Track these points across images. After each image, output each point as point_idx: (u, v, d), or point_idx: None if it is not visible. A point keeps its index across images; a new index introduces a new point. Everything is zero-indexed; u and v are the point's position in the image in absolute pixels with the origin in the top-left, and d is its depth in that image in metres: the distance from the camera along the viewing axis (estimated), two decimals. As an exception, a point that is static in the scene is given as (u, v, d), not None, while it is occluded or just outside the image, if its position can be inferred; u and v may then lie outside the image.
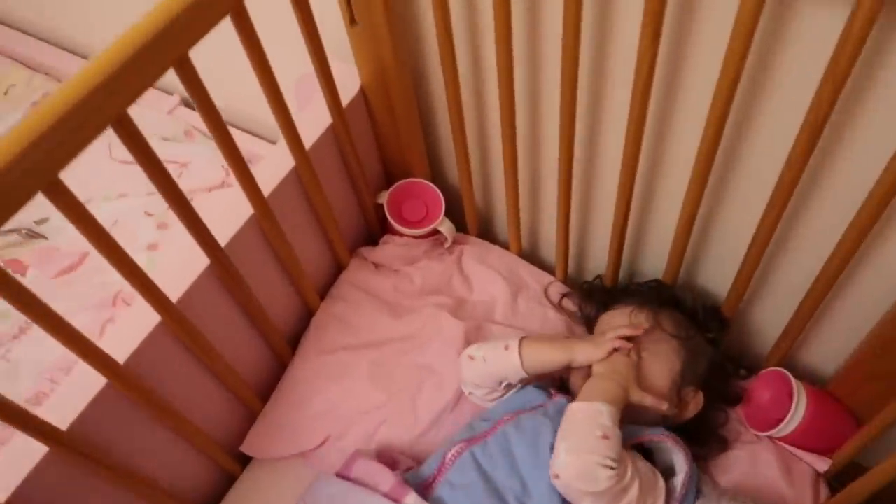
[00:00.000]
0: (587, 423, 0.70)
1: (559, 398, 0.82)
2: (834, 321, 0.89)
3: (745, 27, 0.61)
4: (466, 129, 0.93)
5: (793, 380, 0.88)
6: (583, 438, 0.69)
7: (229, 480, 0.94)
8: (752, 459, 0.88)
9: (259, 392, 0.96)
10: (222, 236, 0.80)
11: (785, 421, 0.86)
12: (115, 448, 0.75)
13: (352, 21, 0.86)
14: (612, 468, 0.66)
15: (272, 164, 0.88)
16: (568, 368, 0.83)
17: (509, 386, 0.86)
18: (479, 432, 0.80)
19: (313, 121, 0.91)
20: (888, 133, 0.65)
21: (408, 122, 0.98)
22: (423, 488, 0.77)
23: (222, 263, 0.79)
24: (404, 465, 0.85)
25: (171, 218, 0.76)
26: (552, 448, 0.72)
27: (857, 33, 0.56)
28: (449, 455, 0.78)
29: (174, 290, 0.76)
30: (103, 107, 0.54)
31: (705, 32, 0.69)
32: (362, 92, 0.96)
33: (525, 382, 0.86)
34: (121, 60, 0.53)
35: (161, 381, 0.77)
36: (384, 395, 0.91)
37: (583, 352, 0.81)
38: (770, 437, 0.90)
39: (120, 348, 0.72)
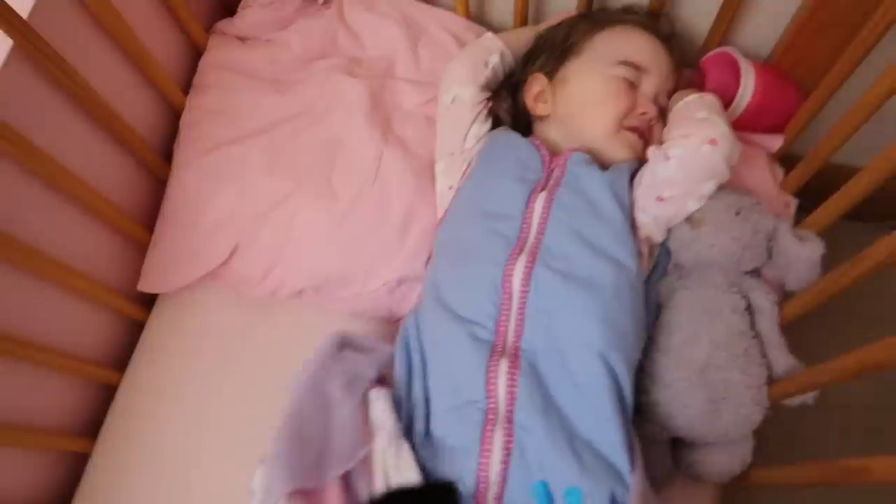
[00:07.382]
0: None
1: (570, 155, 0.70)
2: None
3: None
4: None
5: (739, 56, 0.79)
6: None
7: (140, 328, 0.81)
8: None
9: (146, 223, 0.80)
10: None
11: (736, 99, 0.77)
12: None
13: None
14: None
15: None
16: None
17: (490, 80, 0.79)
18: (520, 238, 0.66)
19: None
20: None
21: None
22: (500, 339, 0.62)
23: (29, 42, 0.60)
24: (373, 345, 0.68)
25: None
26: (617, 200, 0.68)
27: None
28: (516, 284, 0.63)
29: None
30: None
31: None
32: None
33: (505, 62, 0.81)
34: None
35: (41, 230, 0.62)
36: (291, 183, 0.77)
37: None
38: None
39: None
